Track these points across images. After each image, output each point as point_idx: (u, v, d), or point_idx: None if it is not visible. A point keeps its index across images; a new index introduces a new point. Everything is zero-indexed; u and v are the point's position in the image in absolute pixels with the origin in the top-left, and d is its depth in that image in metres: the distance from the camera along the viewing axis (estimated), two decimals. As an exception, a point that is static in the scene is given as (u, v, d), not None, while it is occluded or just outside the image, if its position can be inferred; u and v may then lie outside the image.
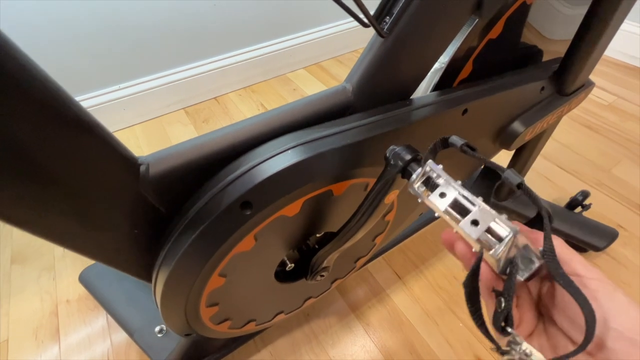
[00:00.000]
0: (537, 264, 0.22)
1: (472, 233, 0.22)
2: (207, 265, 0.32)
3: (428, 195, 0.25)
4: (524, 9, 0.47)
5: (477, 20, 0.41)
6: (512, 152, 0.70)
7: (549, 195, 0.90)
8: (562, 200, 0.84)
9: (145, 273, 0.35)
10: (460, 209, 0.23)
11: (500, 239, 0.21)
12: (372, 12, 0.34)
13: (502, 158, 0.58)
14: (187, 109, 1.22)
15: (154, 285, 0.35)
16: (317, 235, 0.43)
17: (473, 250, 0.23)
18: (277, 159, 0.31)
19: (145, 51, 1.06)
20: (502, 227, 0.21)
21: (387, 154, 0.32)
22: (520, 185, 0.25)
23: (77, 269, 0.76)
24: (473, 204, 0.23)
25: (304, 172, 0.32)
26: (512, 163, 0.70)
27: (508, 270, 0.21)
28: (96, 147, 0.25)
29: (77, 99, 0.25)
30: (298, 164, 0.31)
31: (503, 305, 0.21)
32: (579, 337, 0.21)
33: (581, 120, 1.11)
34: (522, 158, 0.67)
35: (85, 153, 0.25)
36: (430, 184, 0.26)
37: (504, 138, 0.52)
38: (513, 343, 0.21)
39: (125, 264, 0.33)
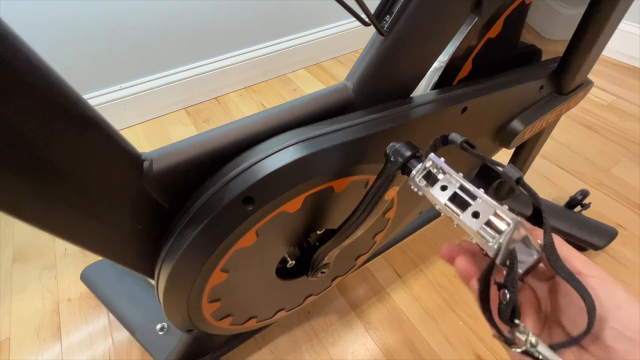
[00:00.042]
0: (536, 255, 0.22)
1: (473, 225, 0.22)
2: (210, 260, 0.32)
3: (429, 189, 0.26)
4: (523, 9, 0.47)
5: (477, 19, 0.41)
6: (511, 151, 0.71)
7: (549, 195, 0.90)
8: (562, 199, 0.84)
9: (148, 269, 0.35)
10: (461, 202, 0.24)
11: (501, 230, 0.21)
12: (372, 11, 0.35)
13: (502, 157, 0.58)
14: (188, 108, 1.22)
15: (156, 280, 0.35)
16: (318, 232, 0.43)
17: (474, 242, 0.23)
18: (278, 155, 0.31)
19: (146, 51, 1.07)
20: (503, 217, 0.21)
21: (387, 151, 0.32)
22: (519, 180, 0.26)
23: (78, 268, 0.76)
24: (474, 196, 0.23)
25: (305, 168, 0.32)
26: (512, 162, 0.71)
27: (508, 261, 0.22)
28: (101, 142, 0.26)
29: (79, 98, 0.25)
30: (299, 161, 0.31)
31: (508, 297, 0.22)
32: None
33: (580, 120, 1.12)
34: (522, 157, 0.68)
35: (90, 148, 0.25)
36: (431, 178, 0.26)
37: (503, 136, 0.53)
38: (520, 333, 0.21)
39: (128, 259, 0.34)
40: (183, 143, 0.31)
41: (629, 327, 0.20)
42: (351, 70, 0.39)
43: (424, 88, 0.48)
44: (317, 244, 0.45)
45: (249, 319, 0.46)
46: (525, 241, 0.22)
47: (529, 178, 0.94)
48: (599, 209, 0.86)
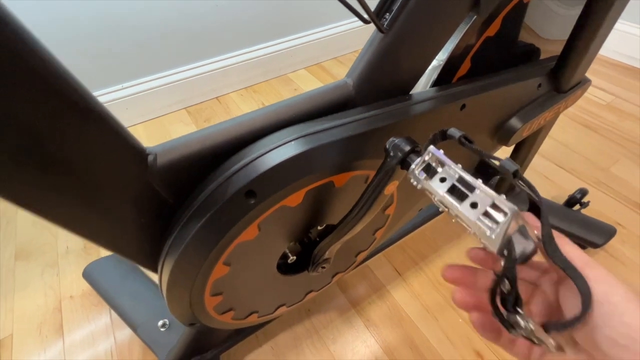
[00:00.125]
0: (533, 244, 0.23)
1: (471, 215, 0.23)
2: (212, 253, 0.32)
3: (428, 182, 0.26)
4: (521, 8, 0.48)
5: (475, 17, 0.42)
6: (510, 150, 0.71)
7: (548, 193, 0.91)
8: (561, 198, 0.85)
9: (151, 262, 0.36)
10: (459, 193, 0.24)
11: (499, 220, 0.22)
12: (372, 9, 0.35)
13: (501, 156, 0.58)
14: (188, 108, 1.23)
15: (160, 274, 0.35)
16: (319, 228, 0.44)
17: (471, 232, 0.24)
18: (280, 150, 0.32)
19: (147, 51, 1.08)
20: (500, 207, 0.22)
21: (387, 146, 0.33)
22: (516, 173, 0.26)
23: (80, 265, 0.77)
24: (473, 187, 0.24)
25: (306, 163, 0.33)
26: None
27: (506, 251, 0.22)
28: (107, 136, 0.26)
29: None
30: (300, 155, 0.32)
31: (509, 286, 0.22)
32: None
33: (580, 119, 1.12)
34: (521, 154, 0.68)
35: (96, 141, 0.26)
36: (430, 171, 0.27)
37: (502, 134, 0.53)
38: (521, 319, 0.22)
39: (132, 252, 0.34)
40: (186, 138, 0.32)
41: (622, 334, 0.20)
42: (351, 68, 0.39)
43: (423, 86, 0.48)
44: (318, 239, 0.45)
45: (251, 313, 0.47)
46: (523, 231, 0.23)
47: (528, 177, 0.95)
48: (598, 208, 0.86)
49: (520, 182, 0.26)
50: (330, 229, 0.42)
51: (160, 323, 0.64)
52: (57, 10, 0.89)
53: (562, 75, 0.53)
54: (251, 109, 1.23)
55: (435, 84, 0.47)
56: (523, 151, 0.67)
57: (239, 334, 0.63)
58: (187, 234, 0.31)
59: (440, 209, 0.32)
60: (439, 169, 0.26)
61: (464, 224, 0.28)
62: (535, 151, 0.68)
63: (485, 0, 0.40)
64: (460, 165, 0.25)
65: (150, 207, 0.32)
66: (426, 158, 0.27)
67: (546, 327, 0.22)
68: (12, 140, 0.22)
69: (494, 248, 0.22)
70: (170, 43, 1.10)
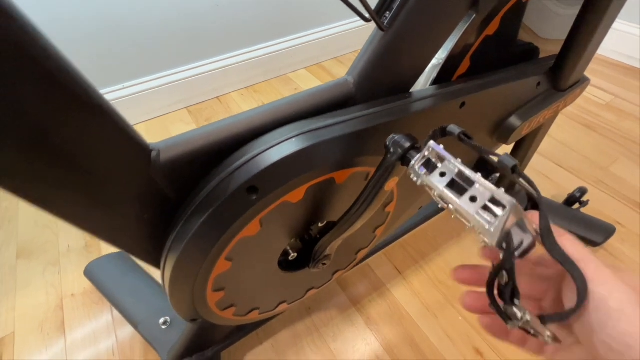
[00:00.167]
0: (531, 238, 0.23)
1: (470, 209, 0.23)
2: (215, 248, 0.33)
3: (428, 177, 0.26)
4: (520, 7, 0.48)
5: (474, 16, 0.42)
6: (510, 148, 0.71)
7: (547, 192, 0.91)
8: (560, 197, 0.85)
9: (154, 258, 0.36)
10: (459, 188, 0.25)
11: (498, 213, 0.22)
12: (372, 7, 0.36)
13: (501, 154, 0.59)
14: (189, 108, 1.23)
15: (162, 269, 0.36)
16: (320, 225, 0.44)
17: (470, 227, 0.24)
18: (282, 146, 0.32)
19: (148, 51, 1.08)
20: (499, 201, 0.22)
21: (387, 142, 0.33)
22: (515, 168, 0.27)
23: (82, 264, 0.77)
24: (472, 181, 0.24)
25: (307, 159, 0.33)
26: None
27: (504, 244, 0.22)
28: (111, 131, 0.27)
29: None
30: (302, 151, 0.32)
31: (506, 278, 0.23)
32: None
33: (579, 119, 1.13)
34: (521, 153, 0.69)
35: (101, 136, 0.26)
36: (430, 166, 0.27)
37: (501, 132, 0.53)
38: (518, 311, 0.22)
39: (135, 247, 0.35)
40: (189, 134, 0.32)
41: (617, 341, 0.20)
42: (352, 65, 0.40)
43: (422, 84, 0.49)
44: (319, 236, 0.46)
45: (252, 310, 0.47)
46: (521, 224, 0.23)
47: (528, 175, 0.95)
48: (597, 207, 0.86)
49: (518, 176, 0.27)
50: (331, 226, 0.43)
51: (161, 320, 0.64)
52: (57, 11, 0.89)
53: (561, 73, 0.54)
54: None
55: (435, 82, 0.47)
56: (523, 149, 0.68)
57: (240, 332, 0.64)
58: (190, 229, 0.32)
59: (440, 206, 0.32)
60: (439, 164, 0.27)
61: (463, 219, 0.29)
62: (535, 149, 0.68)
63: (485, -1, 0.40)
64: (460, 160, 0.25)
65: (153, 203, 0.32)
66: (426, 153, 0.27)
67: (542, 319, 0.22)
68: (19, 132, 0.23)
69: (492, 241, 0.22)
70: (171, 43, 1.10)
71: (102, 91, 0.94)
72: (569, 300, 0.24)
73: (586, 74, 0.60)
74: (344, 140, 0.35)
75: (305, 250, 0.46)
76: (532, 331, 0.23)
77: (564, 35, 0.53)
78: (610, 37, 1.36)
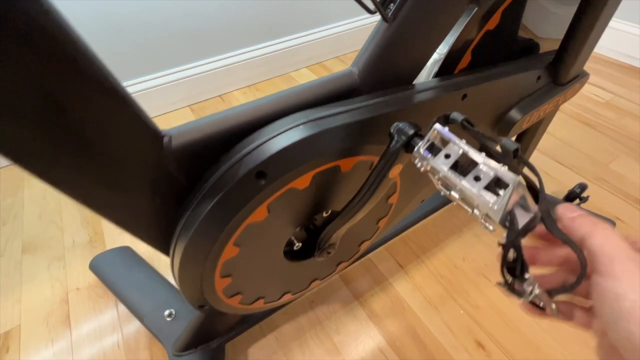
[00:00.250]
0: (532, 214, 0.24)
1: (474, 188, 0.24)
2: (224, 232, 0.34)
3: (432, 159, 0.27)
4: (520, 2, 0.49)
5: (476, 9, 0.43)
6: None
7: (548, 189, 0.92)
8: (561, 193, 0.86)
9: (163, 244, 0.37)
10: (463, 169, 0.25)
11: (499, 191, 0.23)
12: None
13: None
14: (192, 106, 1.24)
15: (172, 254, 0.37)
16: (325, 214, 0.45)
17: (472, 212, 0.25)
18: (290, 133, 0.33)
19: (151, 49, 1.09)
20: (502, 178, 0.23)
21: (391, 130, 0.34)
22: (517, 151, 0.27)
23: (86, 258, 0.78)
24: (476, 161, 0.25)
25: (314, 146, 0.34)
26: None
27: (507, 221, 0.23)
28: (127, 115, 0.28)
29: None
30: (309, 138, 0.33)
31: (515, 255, 0.24)
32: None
33: (579, 117, 1.14)
34: (521, 147, 0.70)
35: (117, 119, 0.27)
36: (434, 150, 0.28)
37: (502, 125, 0.54)
38: (528, 285, 0.23)
39: (145, 232, 0.35)
40: (200, 121, 0.33)
41: (627, 340, 0.20)
42: (357, 57, 0.40)
43: (424, 78, 0.50)
44: (323, 226, 0.47)
45: (257, 299, 0.48)
46: (523, 202, 0.24)
47: (529, 172, 0.96)
48: (597, 203, 0.87)
49: (520, 160, 0.28)
50: (335, 216, 0.43)
51: (166, 313, 0.65)
52: (60, 8, 0.90)
53: (561, 68, 0.55)
54: (254, 107, 1.25)
55: (437, 76, 0.48)
56: (523, 143, 0.69)
57: (244, 324, 0.64)
58: (200, 213, 0.33)
59: (442, 193, 0.33)
60: (443, 148, 0.28)
61: (466, 205, 0.30)
62: (536, 144, 0.69)
63: (486, -8, 0.41)
64: (464, 140, 0.26)
65: (164, 188, 0.33)
66: (431, 136, 0.28)
67: (549, 292, 0.23)
68: (40, 111, 0.24)
69: (496, 218, 0.23)
70: (174, 41, 1.11)
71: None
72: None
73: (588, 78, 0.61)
74: (349, 128, 0.36)
75: (310, 240, 0.47)
76: (541, 304, 0.24)
77: (563, 31, 0.54)
78: (610, 37, 1.37)
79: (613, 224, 0.78)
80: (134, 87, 1.11)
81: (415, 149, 0.30)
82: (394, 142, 0.33)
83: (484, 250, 0.80)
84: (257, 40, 1.26)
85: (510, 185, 0.22)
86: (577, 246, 0.23)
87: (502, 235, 0.25)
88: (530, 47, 0.58)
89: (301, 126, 0.34)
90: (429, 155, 0.28)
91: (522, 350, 0.64)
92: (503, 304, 0.71)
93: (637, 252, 0.22)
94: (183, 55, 1.16)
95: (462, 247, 0.81)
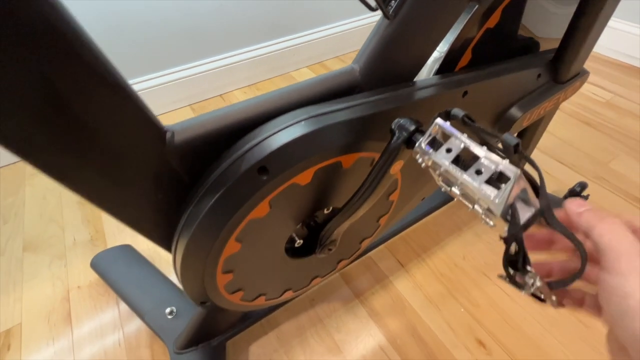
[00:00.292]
0: (534, 209, 0.24)
1: (476, 182, 0.24)
2: (226, 228, 0.34)
3: (434, 154, 0.27)
4: (520, 0, 0.50)
5: (477, 6, 0.43)
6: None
7: (548, 188, 0.92)
8: (561, 192, 0.86)
9: (165, 239, 0.37)
10: (464, 164, 0.26)
11: (500, 184, 0.23)
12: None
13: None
14: (193, 105, 1.24)
15: (174, 250, 0.37)
16: (326, 211, 0.45)
17: (472, 208, 0.25)
18: (291, 129, 0.33)
19: (152, 49, 1.09)
20: (504, 171, 0.23)
21: (393, 126, 0.34)
22: (517, 146, 0.28)
23: (87, 257, 0.78)
24: (477, 155, 0.25)
25: (315, 141, 0.34)
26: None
27: (509, 215, 0.23)
28: (131, 109, 0.28)
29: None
30: (311, 134, 0.33)
31: (517, 248, 0.24)
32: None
33: (579, 116, 1.14)
34: (522, 144, 0.70)
35: (121, 113, 0.27)
36: (436, 145, 0.28)
37: (502, 123, 0.55)
38: (529, 277, 0.23)
39: (147, 227, 0.35)
40: (203, 117, 0.33)
41: (632, 338, 0.20)
42: (358, 54, 0.41)
43: (425, 76, 0.50)
44: (324, 223, 0.47)
45: (258, 296, 0.48)
46: (524, 196, 0.24)
47: (529, 170, 0.96)
48: (597, 201, 0.87)
49: (520, 154, 0.28)
50: (336, 213, 0.44)
51: (167, 310, 0.65)
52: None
53: (561, 66, 0.55)
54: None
55: (437, 74, 0.49)
56: (524, 142, 0.69)
57: (245, 322, 0.64)
58: (202, 208, 0.33)
59: (443, 189, 0.33)
60: (444, 143, 0.28)
61: (467, 201, 0.30)
62: (536, 142, 0.70)
63: (487, -11, 0.41)
64: (466, 135, 0.26)
65: (167, 183, 0.33)
66: (432, 131, 0.28)
67: (549, 285, 0.23)
68: (46, 104, 0.24)
69: (497, 211, 0.23)
70: (175, 41, 1.12)
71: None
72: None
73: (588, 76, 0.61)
74: (350, 125, 0.36)
75: (311, 238, 0.47)
76: (542, 296, 0.24)
77: (563, 29, 0.54)
78: (610, 37, 1.37)
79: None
80: (135, 86, 1.11)
81: (417, 143, 0.30)
82: (395, 138, 0.33)
83: (484, 249, 0.80)
84: (257, 40, 1.26)
85: (512, 178, 0.23)
86: (577, 239, 0.24)
87: (504, 229, 0.25)
88: (530, 46, 0.58)
89: (303, 122, 0.34)
90: (431, 150, 0.28)
91: (523, 348, 0.65)
92: (504, 302, 0.71)
93: None
94: (184, 55, 1.16)
95: (462, 245, 0.81)
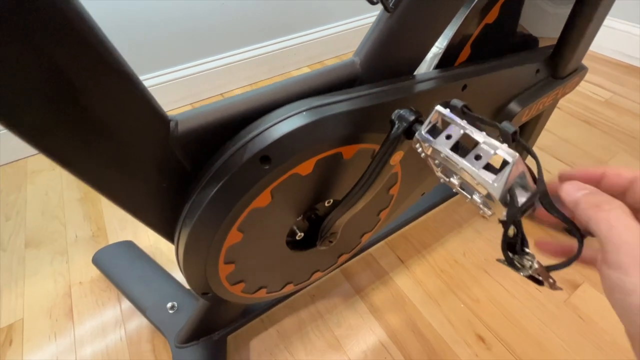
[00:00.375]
0: (531, 192, 0.24)
1: (475, 166, 0.24)
2: (228, 217, 0.34)
3: (434, 142, 0.28)
4: (519, -4, 0.50)
5: (476, 1, 0.44)
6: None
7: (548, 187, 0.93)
8: (560, 189, 0.86)
9: (167, 229, 0.38)
10: (464, 150, 0.26)
11: (501, 168, 0.23)
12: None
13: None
14: (193, 104, 1.25)
15: (176, 239, 0.37)
16: (326, 204, 0.45)
17: (471, 198, 0.26)
18: (293, 119, 0.34)
19: (153, 48, 1.10)
20: (503, 155, 0.24)
21: (393, 117, 0.35)
22: (515, 134, 0.28)
23: (89, 253, 0.78)
24: (476, 140, 0.25)
25: (317, 131, 0.34)
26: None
27: (508, 198, 0.24)
28: (135, 98, 0.28)
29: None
30: (312, 124, 0.34)
31: (515, 231, 0.24)
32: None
33: (579, 115, 1.14)
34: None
35: (126, 101, 0.28)
36: (436, 133, 0.28)
37: (501, 118, 0.55)
38: (528, 260, 0.23)
39: (150, 216, 0.36)
40: (206, 108, 0.34)
41: (636, 332, 0.19)
42: (359, 47, 0.41)
43: (424, 71, 0.50)
44: (325, 216, 0.47)
45: (260, 288, 0.48)
46: (523, 181, 0.24)
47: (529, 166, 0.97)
48: (596, 199, 0.88)
49: (518, 142, 0.28)
50: (337, 206, 0.44)
51: (168, 305, 0.65)
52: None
53: (559, 61, 0.55)
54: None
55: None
56: (523, 137, 0.69)
57: (246, 317, 0.65)
58: (205, 197, 0.33)
59: (441, 180, 0.33)
60: (444, 131, 0.28)
61: (465, 192, 0.30)
62: (535, 138, 0.70)
63: (486, -17, 0.42)
64: (465, 121, 0.27)
65: (170, 172, 0.34)
66: (432, 118, 0.29)
67: (547, 267, 0.24)
68: (54, 90, 0.24)
69: (497, 195, 0.24)
70: (175, 40, 1.12)
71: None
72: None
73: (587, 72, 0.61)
74: (351, 116, 0.36)
75: (312, 230, 0.47)
76: (540, 278, 0.24)
77: (561, 25, 0.55)
78: (610, 37, 1.38)
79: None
80: (137, 85, 1.12)
81: (417, 132, 0.30)
82: (395, 128, 0.34)
83: (484, 245, 0.80)
84: (257, 40, 1.27)
85: (511, 162, 0.23)
86: (573, 224, 0.24)
87: (502, 213, 0.25)
88: (529, 42, 0.59)
89: (304, 113, 0.34)
90: (430, 138, 0.29)
91: (522, 342, 0.65)
92: (503, 298, 0.71)
93: None
94: (184, 54, 1.17)
95: (462, 242, 0.82)
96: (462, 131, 0.27)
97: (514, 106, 0.54)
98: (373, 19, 0.40)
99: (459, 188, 0.31)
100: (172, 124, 0.32)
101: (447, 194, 0.84)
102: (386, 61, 0.41)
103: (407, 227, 0.83)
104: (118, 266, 0.74)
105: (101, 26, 0.26)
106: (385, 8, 0.37)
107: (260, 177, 0.33)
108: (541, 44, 0.61)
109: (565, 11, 0.55)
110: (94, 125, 0.27)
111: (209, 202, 0.33)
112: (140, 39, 1.06)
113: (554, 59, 0.56)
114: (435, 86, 0.42)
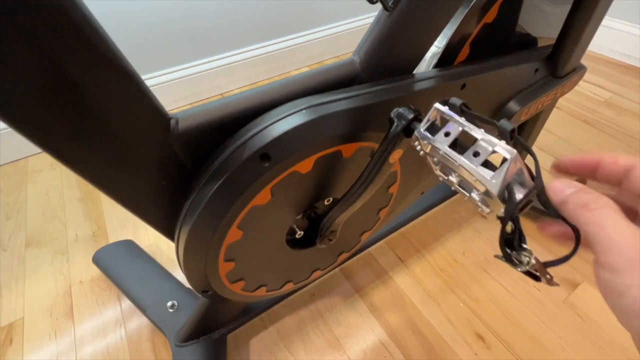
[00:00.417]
0: (529, 189, 0.25)
1: (473, 163, 0.25)
2: (228, 214, 0.34)
3: (432, 139, 0.28)
4: (518, -5, 0.51)
5: (474, 0, 0.44)
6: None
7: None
8: (560, 188, 0.87)
9: (168, 227, 0.38)
10: (462, 147, 0.26)
11: (499, 165, 0.24)
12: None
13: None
14: (194, 104, 1.25)
15: (177, 237, 0.37)
16: (326, 202, 0.45)
17: (469, 196, 0.26)
18: (293, 117, 0.34)
19: (152, 48, 1.10)
20: (501, 151, 0.24)
21: (392, 115, 0.35)
22: (513, 131, 0.28)
23: (89, 252, 0.79)
24: (475, 137, 0.25)
25: (316, 129, 0.35)
26: (511, 147, 0.73)
27: (506, 194, 0.24)
28: (136, 95, 0.29)
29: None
30: (312, 122, 0.34)
31: (513, 227, 0.24)
32: None
33: (579, 115, 1.15)
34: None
35: (127, 97, 0.28)
36: (434, 130, 0.29)
37: (500, 117, 0.55)
38: (525, 255, 0.24)
39: (150, 214, 0.36)
40: (206, 106, 0.34)
41: (632, 332, 0.19)
42: (358, 45, 0.41)
43: (424, 70, 0.51)
44: (325, 214, 0.47)
45: (259, 286, 0.48)
46: (521, 178, 0.24)
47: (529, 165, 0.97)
48: (596, 198, 0.88)
49: (516, 140, 0.28)
50: (336, 204, 0.44)
51: (169, 304, 0.65)
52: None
53: (558, 60, 0.56)
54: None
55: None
56: (523, 135, 0.69)
57: (245, 315, 0.65)
58: (205, 194, 0.33)
59: (440, 179, 0.34)
60: (443, 127, 0.28)
61: (463, 190, 0.30)
62: (535, 137, 0.70)
63: (485, -18, 0.42)
64: (464, 118, 0.27)
65: (170, 170, 0.34)
66: (431, 116, 0.29)
67: (544, 263, 0.24)
68: (55, 87, 0.25)
69: (495, 191, 0.24)
70: (175, 40, 1.13)
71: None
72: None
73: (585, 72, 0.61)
74: (351, 114, 0.37)
75: (312, 229, 0.47)
76: (538, 274, 0.24)
77: (559, 25, 0.55)
78: (609, 37, 1.38)
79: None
80: (137, 84, 1.12)
81: (416, 129, 0.30)
82: (394, 126, 0.34)
83: (484, 245, 0.81)
84: (257, 40, 1.27)
85: (509, 158, 0.23)
86: (569, 222, 0.24)
87: (500, 210, 0.25)
88: (528, 41, 0.59)
89: (304, 111, 0.35)
90: (429, 135, 0.29)
91: (521, 341, 0.65)
92: (503, 297, 0.71)
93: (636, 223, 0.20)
94: (184, 54, 1.17)
95: (462, 241, 0.82)
96: (460, 128, 0.27)
97: (513, 105, 0.54)
98: (371, 20, 0.40)
99: (457, 186, 0.31)
100: (172, 122, 0.32)
101: (447, 193, 0.84)
102: (385, 60, 0.41)
103: (406, 227, 0.83)
104: (118, 265, 0.74)
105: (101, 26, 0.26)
106: (385, 7, 0.37)
107: (260, 175, 0.34)
108: (540, 44, 0.61)
109: (563, 11, 0.55)
110: (95, 123, 0.28)
111: (209, 200, 0.33)
112: (140, 39, 1.06)
113: (553, 58, 0.56)
114: (434, 85, 0.43)
